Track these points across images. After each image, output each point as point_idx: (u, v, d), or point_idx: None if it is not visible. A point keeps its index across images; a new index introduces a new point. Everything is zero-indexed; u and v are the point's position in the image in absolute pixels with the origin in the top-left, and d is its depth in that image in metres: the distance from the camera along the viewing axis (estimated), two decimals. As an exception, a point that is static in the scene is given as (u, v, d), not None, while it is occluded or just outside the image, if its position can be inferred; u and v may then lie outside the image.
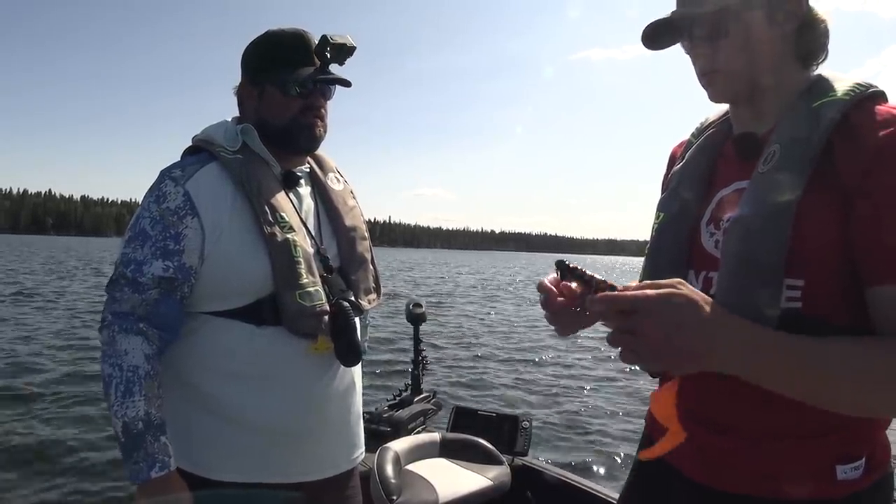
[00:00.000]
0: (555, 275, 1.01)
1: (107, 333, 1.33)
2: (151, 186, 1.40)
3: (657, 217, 1.15)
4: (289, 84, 1.43)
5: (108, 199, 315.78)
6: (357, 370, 1.54)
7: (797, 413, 0.93)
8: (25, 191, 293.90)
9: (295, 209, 1.46)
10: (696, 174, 1.13)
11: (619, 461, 5.47)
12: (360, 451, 1.58)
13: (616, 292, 0.87)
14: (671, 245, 1.10)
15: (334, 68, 1.46)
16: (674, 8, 1.07)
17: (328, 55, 1.43)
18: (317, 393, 1.42)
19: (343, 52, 1.43)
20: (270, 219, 1.37)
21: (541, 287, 1.02)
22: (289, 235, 1.38)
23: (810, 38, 1.01)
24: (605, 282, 0.91)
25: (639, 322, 0.82)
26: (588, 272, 0.94)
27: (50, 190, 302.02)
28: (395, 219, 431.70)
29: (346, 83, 1.48)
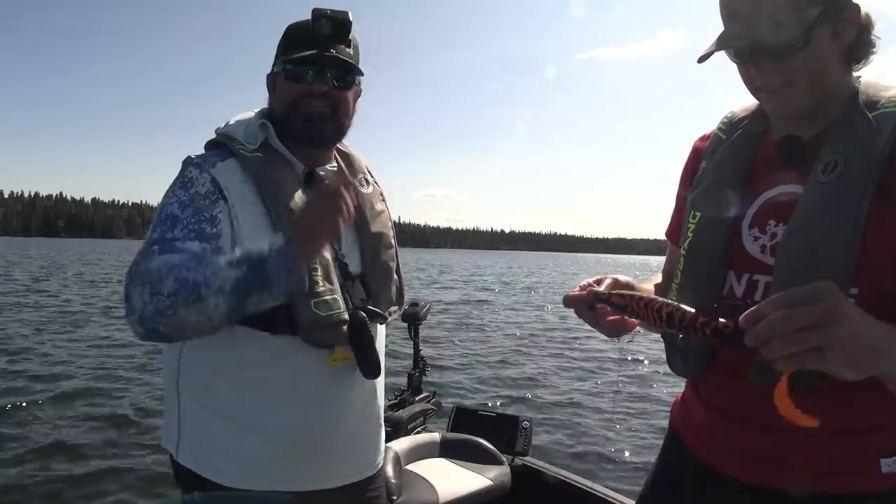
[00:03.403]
0: (586, 283, 1.05)
1: (137, 287, 1.12)
2: (177, 176, 1.34)
3: (692, 216, 1.15)
4: (289, 69, 1.37)
5: (118, 202, 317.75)
6: (380, 379, 1.49)
7: (845, 410, 0.96)
8: (37, 193, 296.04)
9: None
10: (734, 174, 1.13)
11: (620, 461, 5.45)
12: (381, 457, 1.54)
13: (791, 290, 0.77)
14: (711, 246, 1.11)
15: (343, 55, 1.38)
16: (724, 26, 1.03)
17: (325, 33, 1.35)
18: (336, 403, 1.38)
19: (337, 25, 1.35)
20: (286, 223, 1.29)
21: (587, 304, 1.04)
22: None
23: (862, 43, 1.02)
24: (631, 298, 0.94)
25: (831, 311, 0.73)
26: (624, 299, 0.96)
27: (61, 192, 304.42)
28: (405, 219, 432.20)
29: (348, 64, 1.38)
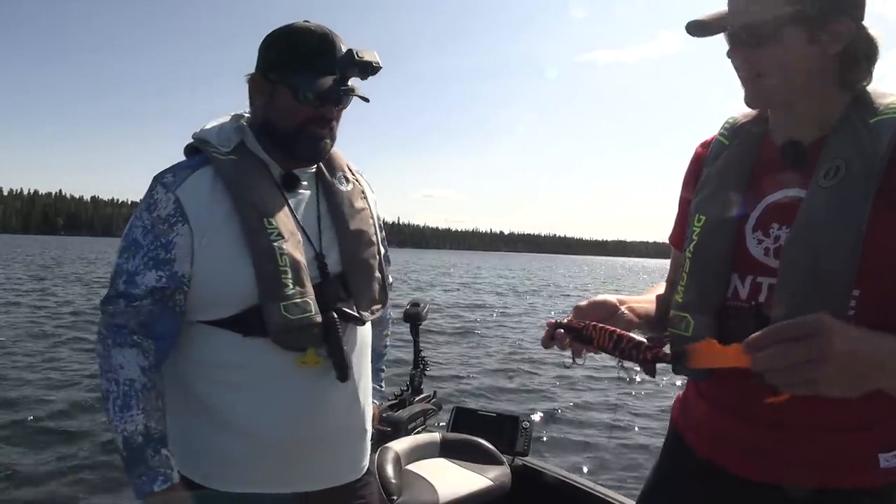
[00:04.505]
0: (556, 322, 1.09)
1: (101, 348, 1.31)
2: (145, 194, 1.37)
3: (697, 220, 1.17)
4: (303, 91, 1.35)
5: (118, 200, 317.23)
6: (364, 380, 1.50)
7: (843, 406, 0.96)
8: (36, 191, 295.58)
9: (291, 213, 1.40)
10: (737, 178, 1.15)
11: (619, 461, 5.45)
12: (365, 462, 1.54)
13: (787, 322, 0.83)
14: (716, 248, 1.12)
15: (355, 81, 1.39)
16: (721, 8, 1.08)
17: (352, 69, 1.35)
18: (311, 405, 1.38)
19: (368, 69, 1.36)
20: (256, 225, 1.32)
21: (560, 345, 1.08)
22: (276, 243, 1.32)
23: (857, 63, 1.04)
24: (595, 327, 1.01)
25: (820, 349, 0.79)
26: (587, 329, 1.02)
27: (60, 190, 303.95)
28: (404, 220, 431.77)
29: (365, 100, 1.43)
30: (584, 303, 1.13)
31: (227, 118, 1.46)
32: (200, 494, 1.33)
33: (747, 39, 1.03)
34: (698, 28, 1.10)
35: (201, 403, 1.37)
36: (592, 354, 1.06)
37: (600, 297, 1.15)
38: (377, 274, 1.53)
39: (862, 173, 0.96)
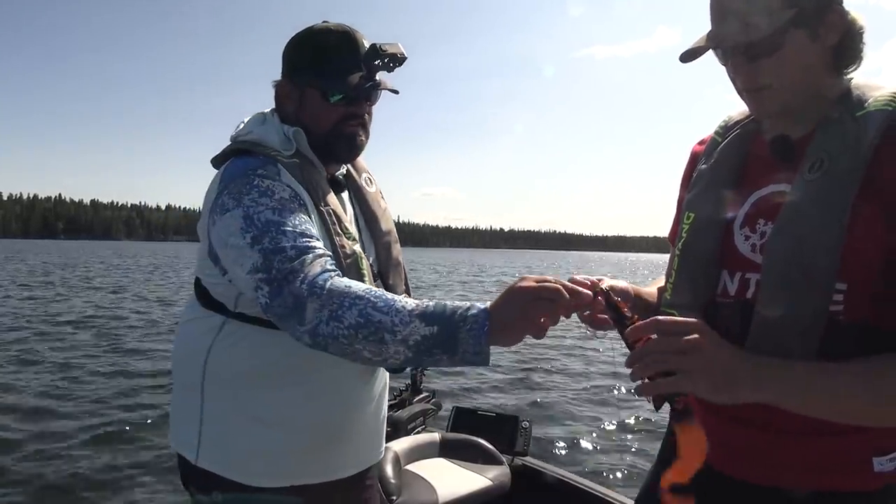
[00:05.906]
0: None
1: (315, 303, 1.09)
2: (238, 188, 1.25)
3: (687, 217, 1.17)
4: (332, 91, 1.36)
5: (117, 203, 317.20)
6: (386, 373, 1.56)
7: None
8: (35, 195, 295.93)
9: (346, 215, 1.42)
10: (727, 175, 1.15)
11: (620, 461, 5.45)
12: (384, 445, 1.59)
13: (671, 318, 0.94)
14: (704, 246, 1.12)
15: (382, 74, 1.39)
16: (710, 25, 1.06)
17: (378, 63, 1.35)
18: (360, 394, 1.43)
19: (394, 60, 1.36)
20: (339, 229, 1.33)
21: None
22: (356, 247, 1.34)
23: (849, 48, 1.04)
24: (633, 317, 0.99)
25: (695, 341, 0.89)
26: (625, 309, 1.01)
27: (60, 194, 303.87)
28: (404, 219, 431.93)
29: (395, 92, 1.43)
30: (619, 284, 1.14)
31: (262, 117, 1.42)
32: (242, 497, 1.33)
33: (747, 53, 1.01)
34: (691, 56, 1.07)
35: (251, 401, 1.34)
36: (600, 344, 1.05)
37: (624, 284, 1.17)
38: (403, 270, 1.59)
39: (845, 166, 0.95)
